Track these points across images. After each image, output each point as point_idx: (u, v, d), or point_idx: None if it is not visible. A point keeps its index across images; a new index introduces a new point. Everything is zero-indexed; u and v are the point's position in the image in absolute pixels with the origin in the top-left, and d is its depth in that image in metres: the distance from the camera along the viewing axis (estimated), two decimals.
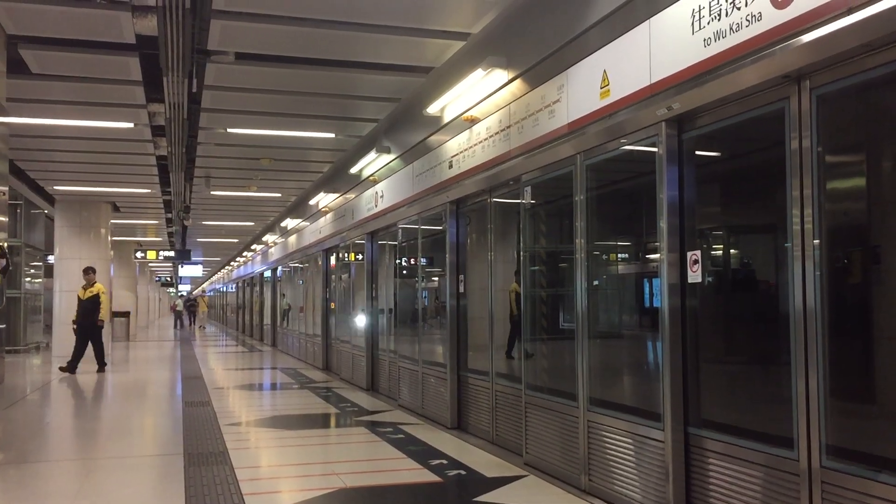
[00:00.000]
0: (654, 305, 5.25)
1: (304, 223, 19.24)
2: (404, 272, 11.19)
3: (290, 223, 20.84)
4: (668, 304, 4.97)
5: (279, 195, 18.65)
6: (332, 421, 10.01)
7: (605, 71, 5.59)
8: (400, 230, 10.99)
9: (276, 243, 24.98)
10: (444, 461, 7.15)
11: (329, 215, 16.20)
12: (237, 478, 6.50)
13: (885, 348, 4.08)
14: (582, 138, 5.90)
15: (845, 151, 4.28)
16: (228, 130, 11.53)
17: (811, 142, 4.00)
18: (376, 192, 12.17)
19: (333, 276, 16.64)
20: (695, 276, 4.87)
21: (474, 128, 8.06)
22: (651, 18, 5.03)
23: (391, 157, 11.05)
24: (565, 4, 6.08)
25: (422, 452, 7.57)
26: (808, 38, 3.79)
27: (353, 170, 12.67)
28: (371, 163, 11.91)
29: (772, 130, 4.27)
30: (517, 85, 6.98)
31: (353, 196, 13.82)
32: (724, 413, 4.96)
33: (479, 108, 7.85)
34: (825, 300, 3.96)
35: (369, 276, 13.29)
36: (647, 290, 6.13)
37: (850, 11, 3.55)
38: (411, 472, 6.76)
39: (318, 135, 11.93)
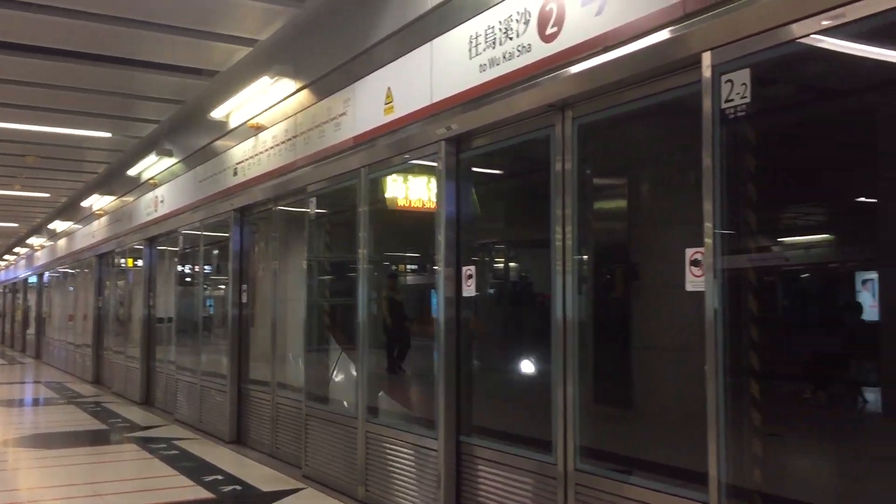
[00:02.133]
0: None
1: (75, 226, 17.98)
2: (186, 280, 10.76)
3: (59, 226, 19.38)
4: (444, 315, 5.14)
5: (48, 195, 17.30)
6: (100, 438, 9.40)
7: (389, 88, 5.71)
8: (181, 236, 10.57)
9: (43, 247, 23.14)
10: (220, 476, 6.94)
11: (104, 219, 15.26)
12: None
13: (640, 357, 4.46)
14: (367, 152, 5.99)
15: (605, 176, 4.65)
16: None
17: (573, 166, 4.30)
18: (156, 197, 11.62)
19: (108, 283, 15.68)
20: (469, 290, 5.08)
21: (260, 136, 7.93)
22: (433, 41, 5.20)
23: (173, 160, 10.62)
24: (353, 20, 6.15)
25: (196, 468, 7.31)
26: (572, 70, 4.09)
27: (132, 172, 12.03)
28: (151, 166, 11.37)
29: (542, 153, 4.55)
30: (304, 95, 6.96)
31: (132, 199, 13.12)
32: (495, 420, 5.19)
33: (265, 116, 7.74)
34: (583, 312, 4.27)
35: (147, 283, 12.64)
36: (433, 301, 6.30)
37: (606, 50, 3.87)
38: (184, 490, 6.51)
39: (92, 133, 11.19)
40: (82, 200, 16.03)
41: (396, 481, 5.58)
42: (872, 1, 2.79)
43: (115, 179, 13.87)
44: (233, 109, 8.27)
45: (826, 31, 2.97)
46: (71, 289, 19.51)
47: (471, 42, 4.83)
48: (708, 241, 3.36)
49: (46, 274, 23.35)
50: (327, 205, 7.00)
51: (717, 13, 3.32)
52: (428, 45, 5.26)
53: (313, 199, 6.94)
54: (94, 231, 16.01)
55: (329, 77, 6.54)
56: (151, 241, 12.51)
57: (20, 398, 13.71)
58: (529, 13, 4.35)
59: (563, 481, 4.23)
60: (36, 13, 6.87)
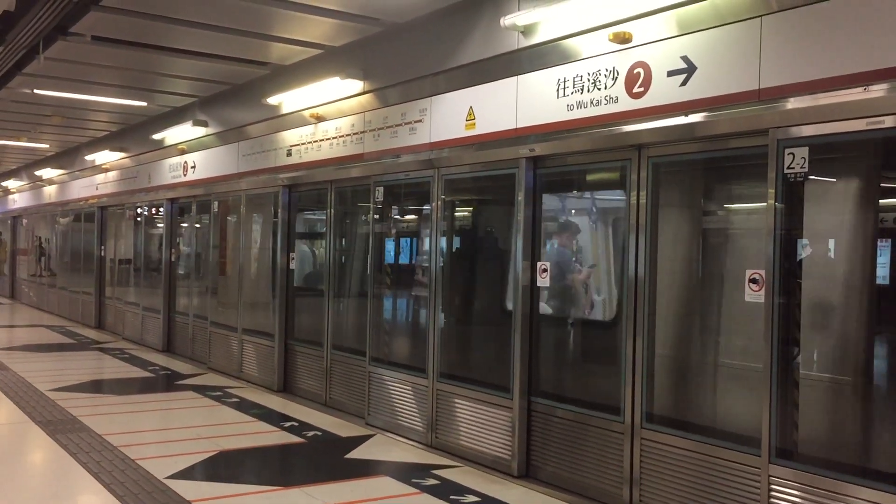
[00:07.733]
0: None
1: (65, 175, 18.63)
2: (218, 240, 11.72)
3: (47, 173, 19.85)
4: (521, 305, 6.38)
5: (46, 146, 17.75)
6: (156, 385, 10.42)
7: (471, 107, 6.81)
8: (217, 202, 11.53)
9: (19, 190, 23.53)
10: (295, 423, 8.10)
11: (112, 173, 15.96)
12: (112, 444, 6.97)
13: None
14: (444, 156, 7.10)
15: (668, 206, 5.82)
16: (35, 91, 11.18)
17: (647, 196, 5.52)
18: (185, 162, 12.47)
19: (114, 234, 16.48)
20: (543, 281, 6.32)
21: (320, 125, 8.93)
22: (519, 76, 6.33)
23: (207, 131, 11.47)
24: (430, 42, 7.18)
25: (267, 415, 8.45)
26: (651, 125, 5.30)
27: (158, 136, 12.80)
28: (182, 133, 12.14)
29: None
30: (373, 98, 7.98)
31: (151, 160, 13.90)
32: (553, 384, 6.49)
33: (327, 109, 8.71)
34: None
35: (169, 238, 13.48)
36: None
37: (686, 114, 5.09)
38: (273, 434, 7.66)
39: (131, 102, 11.91)
40: (84, 153, 16.56)
41: (466, 431, 6.84)
42: None
43: (129, 138, 14.57)
44: (293, 99, 9.18)
45: None
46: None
47: (559, 84, 5.99)
48: None
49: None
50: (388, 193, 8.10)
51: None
52: (514, 78, 6.39)
53: (381, 188, 8.03)
54: (98, 183, 16.69)
55: (403, 86, 7.58)
56: (173, 201, 13.36)
57: (38, 343, 14.39)
58: (618, 72, 5.53)
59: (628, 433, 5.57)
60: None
